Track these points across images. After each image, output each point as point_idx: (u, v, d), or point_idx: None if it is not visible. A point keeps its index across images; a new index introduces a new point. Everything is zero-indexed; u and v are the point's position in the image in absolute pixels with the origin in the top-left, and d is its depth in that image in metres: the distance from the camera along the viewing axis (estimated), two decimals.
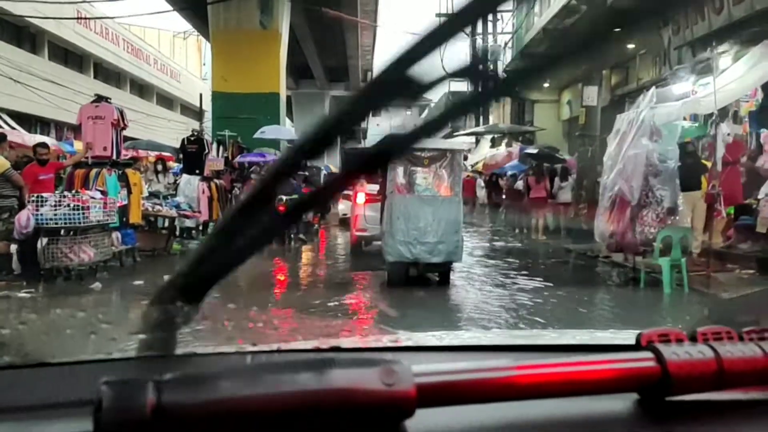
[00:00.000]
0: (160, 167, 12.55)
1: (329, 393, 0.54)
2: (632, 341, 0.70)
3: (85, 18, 21.39)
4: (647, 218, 6.79)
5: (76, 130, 27.89)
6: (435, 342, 1.01)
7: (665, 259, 6.70)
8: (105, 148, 8.37)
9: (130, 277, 7.79)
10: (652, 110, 7.21)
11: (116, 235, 8.37)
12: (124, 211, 8.52)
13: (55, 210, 7.01)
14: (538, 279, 8.22)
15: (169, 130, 29.20)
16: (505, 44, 30.88)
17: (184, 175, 11.61)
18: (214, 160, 12.66)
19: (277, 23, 18.52)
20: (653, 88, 10.70)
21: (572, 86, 21.77)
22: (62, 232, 7.17)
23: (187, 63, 44.02)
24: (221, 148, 14.23)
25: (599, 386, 0.65)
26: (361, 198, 10.85)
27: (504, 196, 17.41)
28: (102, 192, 7.79)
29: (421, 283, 7.82)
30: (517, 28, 21.59)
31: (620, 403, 0.68)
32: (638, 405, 0.68)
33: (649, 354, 0.66)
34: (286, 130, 18.65)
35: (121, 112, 8.72)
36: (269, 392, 0.53)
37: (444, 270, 7.90)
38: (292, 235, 14.05)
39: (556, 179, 13.08)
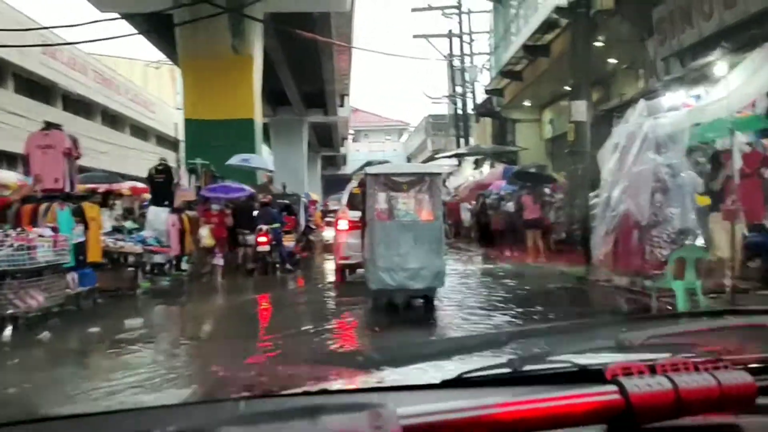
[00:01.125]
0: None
1: None
2: (599, 367, 0.79)
3: (47, 45, 20.53)
4: (657, 239, 6.19)
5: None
6: (418, 376, 1.03)
7: (679, 283, 6.09)
8: (56, 180, 7.60)
9: (86, 323, 6.98)
10: (655, 121, 6.65)
11: (72, 276, 7.56)
12: (80, 248, 7.72)
13: None
14: (538, 307, 7.57)
15: (145, 161, 28.38)
16: (482, 66, 30.81)
17: (152, 207, 10.83)
18: (186, 191, 11.90)
19: (249, 47, 17.93)
20: (642, 100, 10.23)
21: (554, 104, 21.46)
22: (6, 276, 6.36)
23: (160, 93, 43.26)
24: (193, 177, 13.47)
25: (571, 420, 0.71)
26: (343, 225, 10.62)
27: (493, 219, 16.77)
28: (53, 229, 7.00)
29: (405, 311, 7.56)
30: (496, 46, 21.27)
31: None
32: None
33: (614, 387, 0.74)
34: (261, 160, 17.93)
35: (74, 140, 7.96)
36: None
37: (428, 296, 7.78)
38: (277, 265, 13.33)
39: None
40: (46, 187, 7.61)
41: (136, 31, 18.79)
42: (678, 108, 9.15)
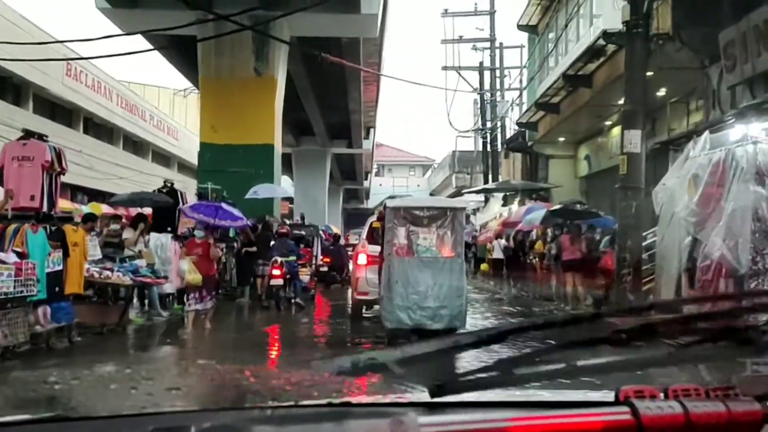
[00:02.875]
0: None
1: None
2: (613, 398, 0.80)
3: (60, 60, 19.99)
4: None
5: (62, 187, 26.53)
6: (437, 398, 0.99)
7: None
8: (32, 197, 6.54)
9: (49, 366, 5.78)
10: (755, 146, 5.38)
11: (43, 311, 6.44)
12: (56, 278, 6.61)
13: None
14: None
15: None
16: (513, 101, 29.79)
17: (153, 234, 9.73)
18: (189, 218, 10.82)
19: (273, 70, 17.09)
20: (706, 132, 8.96)
21: (591, 140, 20.24)
22: None
23: (186, 121, 43.01)
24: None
25: None
26: (362, 259, 10.17)
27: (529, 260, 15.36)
28: (19, 254, 5.91)
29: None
30: (531, 77, 20.20)
31: None
32: None
33: (626, 408, 0.75)
34: (281, 189, 16.87)
35: (58, 153, 6.91)
36: None
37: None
38: (293, 300, 12.21)
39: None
40: (19, 204, 6.54)
41: (154, 47, 18.09)
42: (747, 141, 7.88)
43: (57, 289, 6.59)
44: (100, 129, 30.19)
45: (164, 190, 10.72)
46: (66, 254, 6.76)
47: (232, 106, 16.75)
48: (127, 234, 9.48)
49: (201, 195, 12.76)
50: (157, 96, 41.84)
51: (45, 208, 6.73)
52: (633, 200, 9.29)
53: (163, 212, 10.38)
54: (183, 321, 10.19)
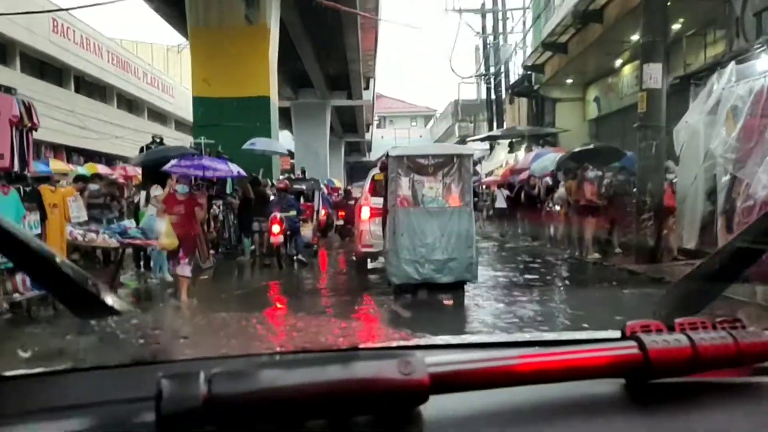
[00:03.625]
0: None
1: (353, 382, 0.63)
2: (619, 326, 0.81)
3: (40, 12, 19.13)
4: None
5: (56, 148, 25.80)
6: (445, 340, 1.07)
7: None
8: (1, 156, 5.98)
9: (22, 336, 5.33)
10: None
11: (21, 278, 5.98)
12: None
13: None
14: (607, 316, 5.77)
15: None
16: (516, 44, 28.71)
17: (143, 193, 9.18)
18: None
19: (265, 17, 16.23)
20: (732, 63, 8.27)
21: (600, 81, 19.41)
22: None
23: (182, 78, 41.94)
24: None
25: (590, 372, 0.73)
26: (365, 212, 10.13)
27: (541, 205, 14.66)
28: None
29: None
30: (537, 16, 19.22)
31: (609, 387, 0.76)
32: (624, 388, 0.77)
33: (632, 343, 0.74)
34: (279, 144, 16.20)
35: (27, 106, 6.30)
36: (302, 382, 0.61)
37: (456, 291, 7.17)
38: (294, 258, 11.79)
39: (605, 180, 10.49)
40: None
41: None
42: None
43: None
44: (92, 88, 29.35)
45: (152, 146, 10.12)
46: (44, 217, 6.26)
47: (224, 58, 15.99)
48: (156, 191, 8.78)
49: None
50: (151, 53, 40.74)
51: (17, 168, 6.18)
52: (653, 140, 8.67)
53: (153, 170, 9.80)
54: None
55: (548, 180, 14.14)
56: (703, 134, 8.15)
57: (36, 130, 6.50)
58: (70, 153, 26.69)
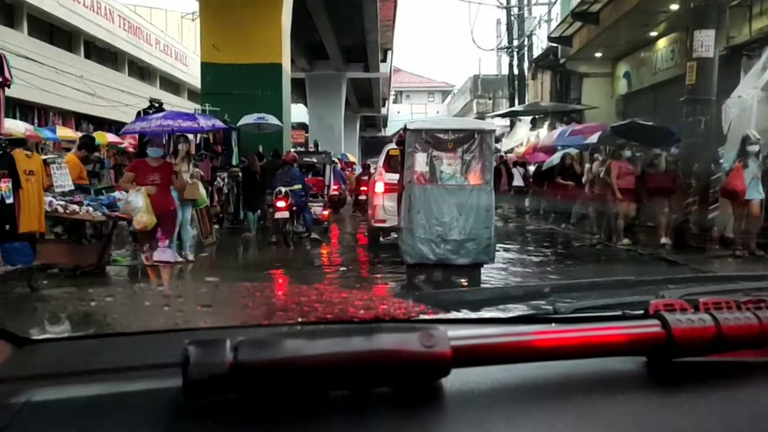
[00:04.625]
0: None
1: (377, 353, 0.62)
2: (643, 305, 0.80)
3: None
4: None
5: (65, 115, 25.19)
6: (465, 314, 1.08)
7: None
8: None
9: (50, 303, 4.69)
10: None
11: None
12: (7, 214, 5.45)
13: None
14: None
15: None
16: (541, 16, 27.50)
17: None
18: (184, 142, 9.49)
19: None
20: None
21: (632, 55, 18.31)
22: None
23: (196, 46, 41.11)
24: None
25: (611, 349, 0.73)
26: (379, 187, 10.10)
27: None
28: None
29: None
30: None
31: (630, 364, 0.76)
32: (646, 366, 0.76)
33: (656, 321, 0.74)
34: (272, 118, 14.90)
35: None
36: (325, 353, 0.61)
37: (473, 273, 6.93)
38: (304, 235, 11.08)
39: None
40: None
41: None
42: None
43: (8, 226, 5.44)
44: (103, 53, 28.67)
45: (151, 111, 9.38)
46: (17, 185, 5.58)
47: (234, 22, 15.13)
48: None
49: None
50: (165, 20, 39.96)
51: None
52: (702, 115, 7.76)
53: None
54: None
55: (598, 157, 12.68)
56: (756, 111, 7.25)
57: (8, 86, 5.78)
58: (80, 120, 26.12)
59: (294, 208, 10.49)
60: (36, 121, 23.10)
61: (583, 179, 12.74)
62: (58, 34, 25.03)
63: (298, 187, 10.57)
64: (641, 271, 8.11)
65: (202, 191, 7.23)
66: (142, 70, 32.77)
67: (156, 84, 34.05)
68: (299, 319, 1.01)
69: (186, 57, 37.10)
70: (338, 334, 0.65)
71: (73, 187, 7.04)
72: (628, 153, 10.12)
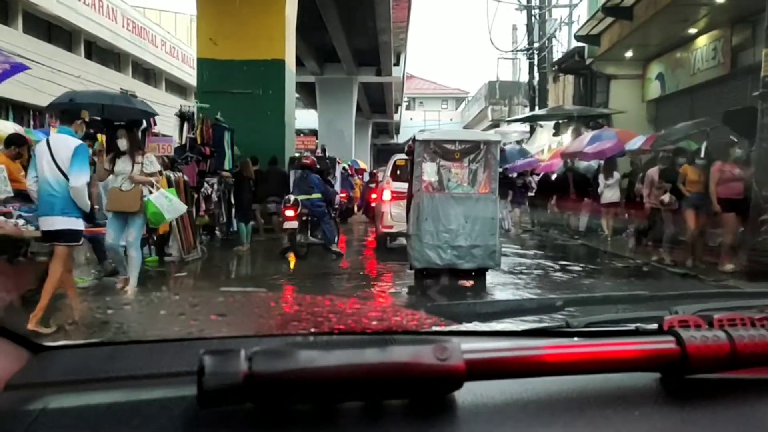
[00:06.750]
0: None
1: (391, 365, 0.62)
2: (656, 321, 0.79)
3: None
4: None
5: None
6: (479, 327, 1.08)
7: None
8: None
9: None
10: None
11: None
12: None
13: None
14: None
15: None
16: (561, 18, 26.15)
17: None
18: (161, 142, 8.17)
19: None
20: None
21: (666, 54, 16.82)
22: None
23: None
24: (185, 126, 9.80)
25: (625, 365, 0.72)
26: (387, 195, 10.63)
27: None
28: None
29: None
30: None
31: (644, 381, 0.75)
32: (660, 382, 0.76)
33: (670, 337, 0.73)
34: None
35: None
36: (339, 364, 0.62)
37: (478, 278, 7.26)
38: (326, 247, 9.74)
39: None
40: None
41: None
42: None
43: None
44: (105, 54, 27.63)
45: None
46: None
47: (233, 14, 13.88)
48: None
49: (183, 116, 10.10)
50: (174, 22, 39.07)
51: None
52: None
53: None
54: (151, 279, 7.80)
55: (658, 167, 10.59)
56: None
57: None
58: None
59: (307, 218, 9.37)
60: (32, 122, 21.99)
61: (600, 190, 11.67)
62: (56, 32, 23.98)
63: (317, 196, 9.38)
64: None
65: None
66: (147, 72, 31.75)
67: (161, 86, 33.04)
68: (312, 330, 1.03)
69: (194, 60, 36.11)
70: (352, 345, 0.65)
71: (12, 194, 5.72)
72: (738, 152, 8.32)
